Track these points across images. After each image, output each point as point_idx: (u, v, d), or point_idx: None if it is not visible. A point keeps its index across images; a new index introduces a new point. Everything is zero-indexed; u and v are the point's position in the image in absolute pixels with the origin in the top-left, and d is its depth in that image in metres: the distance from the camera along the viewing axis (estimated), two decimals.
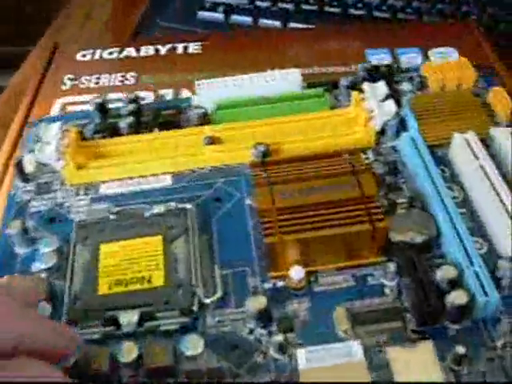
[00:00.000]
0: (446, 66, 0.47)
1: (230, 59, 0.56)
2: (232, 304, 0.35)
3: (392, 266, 0.35)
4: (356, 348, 0.28)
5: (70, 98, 0.53)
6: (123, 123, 0.43)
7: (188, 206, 0.39)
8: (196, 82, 0.46)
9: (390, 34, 0.59)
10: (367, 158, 0.42)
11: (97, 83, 0.54)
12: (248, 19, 0.64)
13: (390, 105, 0.42)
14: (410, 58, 0.54)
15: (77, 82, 0.55)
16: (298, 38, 0.60)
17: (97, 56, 0.58)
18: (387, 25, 0.63)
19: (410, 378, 0.27)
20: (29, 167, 0.42)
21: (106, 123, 0.45)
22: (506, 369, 0.32)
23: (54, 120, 0.46)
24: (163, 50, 0.58)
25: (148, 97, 0.52)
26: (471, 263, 0.35)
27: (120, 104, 0.47)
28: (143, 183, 0.42)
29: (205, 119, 0.44)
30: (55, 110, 0.52)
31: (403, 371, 0.27)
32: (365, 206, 0.36)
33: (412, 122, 0.42)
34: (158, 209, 0.39)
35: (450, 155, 0.42)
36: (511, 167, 0.40)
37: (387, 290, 0.36)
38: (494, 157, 0.41)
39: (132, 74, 0.55)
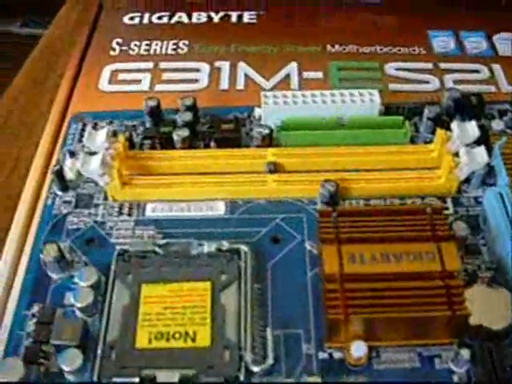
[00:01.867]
0: None
1: (287, 33, 0.51)
2: (282, 372, 0.32)
3: (465, 355, 0.31)
4: None
5: (120, 65, 0.49)
6: (177, 136, 0.39)
7: (242, 246, 0.35)
8: (262, 93, 0.41)
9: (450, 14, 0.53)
10: (446, 209, 0.37)
11: (147, 50, 0.50)
12: None
13: (482, 153, 0.37)
14: (474, 43, 0.49)
15: (126, 48, 0.50)
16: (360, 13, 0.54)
17: (145, 20, 0.53)
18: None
19: None
20: (69, 174, 0.38)
21: (157, 130, 0.40)
22: None
23: (99, 117, 0.42)
24: (216, 17, 0.53)
25: (203, 68, 0.48)
26: None
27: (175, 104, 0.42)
28: (194, 209, 0.38)
29: (271, 141, 0.40)
30: (105, 78, 0.47)
31: None
32: (445, 284, 0.31)
33: (503, 176, 0.37)
34: (209, 247, 0.35)
35: None
36: None
37: (456, 378, 0.32)
38: None
39: (184, 41, 0.51)
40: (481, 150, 0.37)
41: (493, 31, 0.50)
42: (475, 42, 0.49)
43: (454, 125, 0.38)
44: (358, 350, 0.31)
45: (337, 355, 0.32)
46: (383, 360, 0.32)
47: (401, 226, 0.33)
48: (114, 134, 0.40)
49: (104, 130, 0.38)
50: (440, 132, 0.38)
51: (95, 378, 0.31)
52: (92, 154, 0.37)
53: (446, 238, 0.33)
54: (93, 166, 0.36)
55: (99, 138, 0.38)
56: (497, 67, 0.47)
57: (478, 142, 0.38)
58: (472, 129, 0.38)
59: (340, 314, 0.30)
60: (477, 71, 0.46)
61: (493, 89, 0.45)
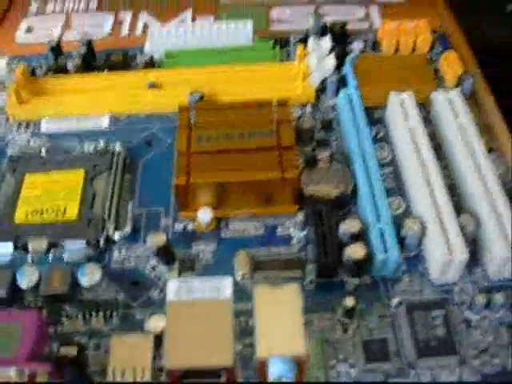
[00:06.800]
0: (402, 28, 0.46)
1: None
2: (140, 241, 0.36)
3: (300, 216, 0.36)
4: (229, 284, 0.29)
5: (36, 19, 0.54)
6: (71, 64, 0.44)
7: (117, 147, 0.40)
8: (149, 30, 0.47)
9: None
10: (303, 113, 0.42)
11: (62, 6, 0.55)
12: None
13: (329, 61, 0.41)
14: None
15: (42, 5, 0.56)
16: None
17: None
18: None
19: (269, 315, 0.27)
20: None
21: (57, 64, 0.46)
22: (394, 326, 0.32)
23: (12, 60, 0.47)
24: None
25: (108, 19, 0.53)
26: (378, 220, 0.34)
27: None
28: (82, 122, 0.42)
29: (153, 66, 0.45)
30: (22, 33, 0.52)
31: (265, 308, 0.28)
32: (279, 156, 0.36)
33: (350, 80, 0.41)
34: (88, 147, 0.40)
35: (386, 116, 0.41)
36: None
37: (294, 241, 0.36)
38: (431, 120, 0.41)
39: None
40: (329, 59, 0.42)
41: None
42: None
43: (310, 41, 0.43)
44: (204, 214, 0.36)
45: (190, 226, 0.37)
46: (231, 229, 0.37)
47: (250, 115, 0.38)
48: None
49: (4, 59, 0.44)
50: (299, 48, 0.43)
51: None
52: None
53: (285, 122, 0.37)
54: None
55: (0, 63, 0.43)
56: (373, 9, 0.52)
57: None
58: (325, 43, 0.43)
59: (183, 179, 0.35)
60: (353, 13, 0.51)
61: (366, 25, 0.50)
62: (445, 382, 0.31)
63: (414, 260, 0.35)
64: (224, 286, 0.29)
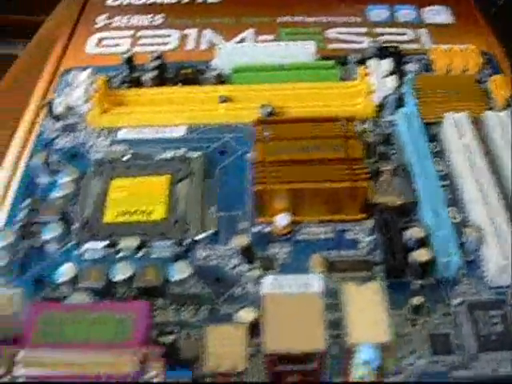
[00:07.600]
0: (453, 51, 0.50)
1: (245, 8, 0.60)
2: (222, 242, 0.39)
3: (369, 224, 0.39)
4: (317, 280, 0.32)
5: (105, 34, 0.58)
6: (146, 77, 0.48)
7: (195, 154, 0.43)
8: (217, 46, 0.50)
9: None
10: (365, 129, 0.45)
11: (128, 22, 0.59)
12: None
13: (391, 81, 0.45)
14: (405, 14, 0.58)
15: (109, 21, 0.60)
16: None
17: (126, 2, 0.63)
18: None
19: (356, 310, 0.31)
20: (58, 108, 0.47)
21: (132, 76, 0.49)
22: (456, 323, 0.36)
23: (85, 69, 0.51)
24: None
25: (174, 34, 0.57)
26: (440, 226, 0.38)
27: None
28: (159, 131, 0.46)
29: (221, 80, 0.48)
30: (91, 45, 0.56)
31: (351, 303, 0.31)
32: (348, 167, 0.39)
33: (409, 99, 0.45)
34: (169, 154, 0.43)
35: (442, 133, 0.45)
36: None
37: (362, 245, 0.39)
38: (483, 139, 0.44)
39: (160, 15, 0.60)
40: (391, 79, 0.45)
41: (423, 5, 0.59)
42: (406, 13, 0.58)
43: (372, 62, 0.47)
44: (282, 219, 0.39)
45: (267, 229, 0.40)
46: (304, 232, 0.40)
47: (319, 129, 0.41)
48: None
49: (87, 70, 0.47)
50: (361, 68, 0.47)
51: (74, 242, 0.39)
52: (76, 87, 0.46)
53: (352, 137, 0.41)
54: (76, 95, 0.45)
55: (82, 76, 0.47)
56: (422, 31, 0.55)
57: None
58: (386, 64, 0.47)
59: (263, 186, 0.38)
60: (404, 34, 0.55)
61: (417, 46, 0.54)
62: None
63: (472, 264, 0.38)
64: (313, 282, 0.32)
